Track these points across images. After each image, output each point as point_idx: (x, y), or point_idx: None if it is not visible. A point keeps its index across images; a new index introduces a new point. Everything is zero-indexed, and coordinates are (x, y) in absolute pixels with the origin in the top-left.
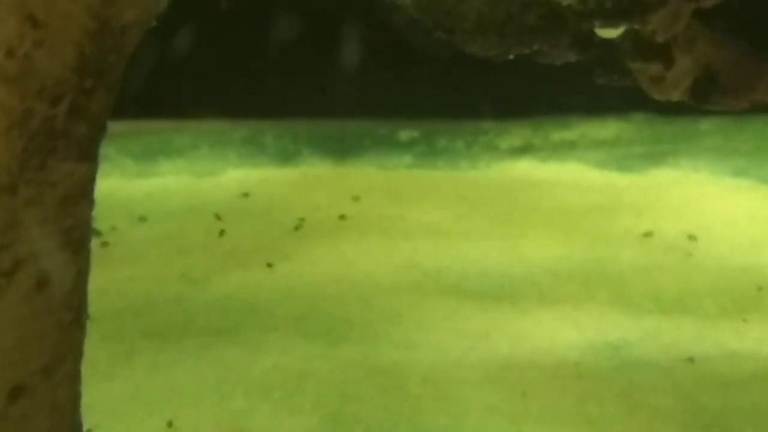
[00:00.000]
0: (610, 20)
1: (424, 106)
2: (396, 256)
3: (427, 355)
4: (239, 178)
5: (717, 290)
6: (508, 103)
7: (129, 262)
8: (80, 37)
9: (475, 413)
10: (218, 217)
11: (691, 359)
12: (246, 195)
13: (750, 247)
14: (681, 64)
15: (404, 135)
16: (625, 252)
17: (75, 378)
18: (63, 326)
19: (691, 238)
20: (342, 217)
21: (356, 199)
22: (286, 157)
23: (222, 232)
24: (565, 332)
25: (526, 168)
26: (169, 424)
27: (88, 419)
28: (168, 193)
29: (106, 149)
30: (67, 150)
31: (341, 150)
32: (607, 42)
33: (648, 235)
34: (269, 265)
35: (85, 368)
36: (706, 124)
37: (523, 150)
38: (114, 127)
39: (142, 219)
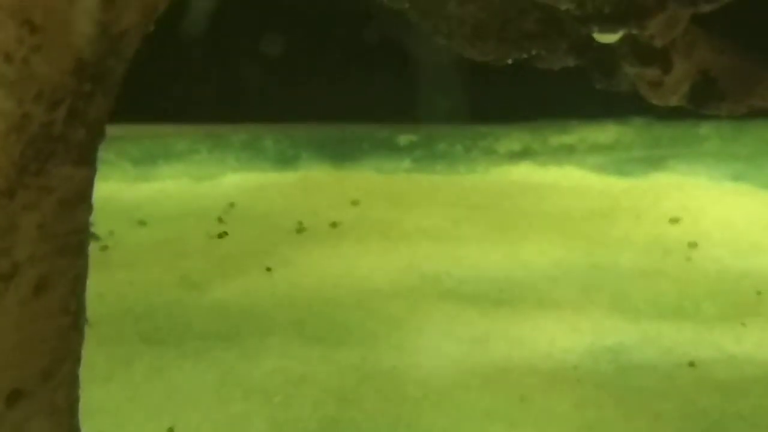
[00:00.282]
0: (609, 25)
1: (423, 110)
2: (395, 261)
3: (425, 359)
4: (238, 182)
5: (716, 294)
6: (507, 107)
7: (128, 267)
8: (79, 42)
9: (473, 417)
10: (217, 221)
11: (690, 363)
12: (245, 199)
13: (749, 252)
14: (679, 68)
15: (403, 139)
16: (624, 256)
17: (73, 382)
18: (61, 330)
19: (690, 242)
20: (341, 221)
21: (355, 203)
22: (285, 161)
23: (221, 236)
24: (564, 336)
25: (525, 172)
26: (169, 429)
27: (86, 423)
28: (167, 197)
29: (105, 153)
30: (65, 154)
31: (340, 154)
32: (606, 47)
33: (647, 239)
34: (268, 269)
35: (84, 372)
36: (704, 129)
37: (522, 154)
38: (113, 130)
39: (141, 223)
